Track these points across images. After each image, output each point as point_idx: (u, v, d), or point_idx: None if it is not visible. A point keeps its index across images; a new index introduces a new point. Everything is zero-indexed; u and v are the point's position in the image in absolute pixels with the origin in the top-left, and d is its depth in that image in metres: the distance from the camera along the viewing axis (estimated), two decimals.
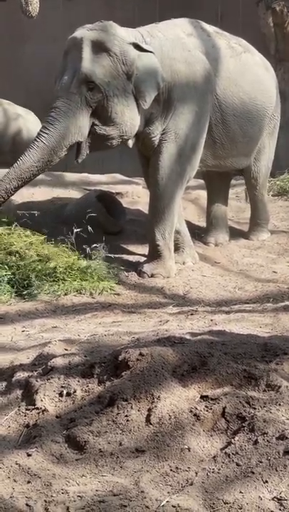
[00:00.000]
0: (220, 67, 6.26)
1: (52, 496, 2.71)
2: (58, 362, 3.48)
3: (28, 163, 5.56)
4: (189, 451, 2.89)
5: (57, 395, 3.29)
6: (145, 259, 6.11)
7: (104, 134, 5.69)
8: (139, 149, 6.25)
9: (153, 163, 6.03)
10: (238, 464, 2.78)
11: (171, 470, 2.82)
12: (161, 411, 3.03)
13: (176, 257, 6.12)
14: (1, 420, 3.28)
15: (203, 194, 7.37)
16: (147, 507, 2.62)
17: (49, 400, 3.27)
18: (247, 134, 6.53)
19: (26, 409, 3.28)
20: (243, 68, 6.46)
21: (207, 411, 3.03)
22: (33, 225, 6.15)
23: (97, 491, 2.73)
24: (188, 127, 6.01)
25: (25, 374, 3.51)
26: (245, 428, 2.91)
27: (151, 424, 3.01)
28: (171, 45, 6.02)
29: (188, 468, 2.82)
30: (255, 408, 3.00)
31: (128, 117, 5.69)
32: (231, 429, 2.96)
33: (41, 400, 3.27)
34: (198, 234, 6.85)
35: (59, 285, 5.43)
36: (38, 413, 3.23)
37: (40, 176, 7.68)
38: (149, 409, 3.05)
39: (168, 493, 2.71)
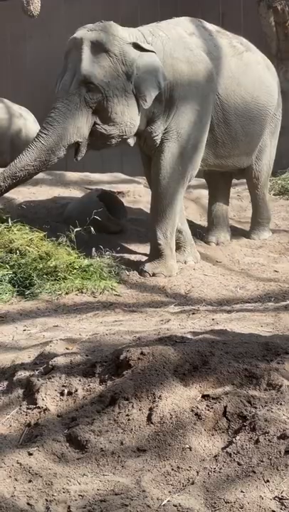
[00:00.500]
0: (222, 67, 6.25)
1: (53, 495, 2.71)
2: (60, 361, 3.48)
3: (24, 162, 5.59)
4: (190, 450, 2.89)
5: (58, 394, 3.30)
6: (146, 258, 6.11)
7: (104, 134, 5.70)
8: (141, 148, 6.25)
9: (155, 162, 6.03)
10: (239, 464, 2.78)
11: (172, 469, 2.82)
12: (163, 410, 3.04)
13: (177, 256, 6.11)
14: (2, 419, 3.28)
15: (204, 193, 7.37)
16: (148, 506, 2.62)
17: (50, 399, 3.28)
18: (249, 133, 6.52)
19: (28, 409, 3.28)
20: (245, 67, 6.45)
21: (208, 410, 3.03)
22: (34, 223, 6.16)
23: (98, 490, 2.73)
24: (190, 126, 6.00)
25: (27, 373, 3.51)
26: (247, 427, 2.91)
27: (152, 423, 3.01)
28: (173, 44, 6.01)
29: (190, 467, 2.82)
30: (256, 407, 3.00)
31: (128, 117, 5.69)
32: (232, 429, 2.96)
33: (42, 399, 3.27)
34: (200, 233, 6.85)
35: (60, 284, 5.43)
36: (40, 412, 3.24)
37: (42, 175, 7.72)
38: (151, 409, 3.05)
39: (169, 492, 2.71)
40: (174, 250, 6.04)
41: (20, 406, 3.32)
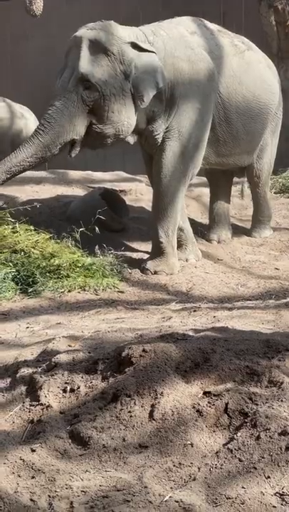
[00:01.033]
0: (223, 65, 6.25)
1: (56, 491, 2.71)
2: (62, 358, 3.49)
3: (19, 157, 5.62)
4: (192, 446, 2.89)
5: (61, 391, 3.30)
6: (148, 256, 6.11)
7: (101, 133, 5.71)
8: (142, 147, 6.25)
9: (156, 160, 6.02)
10: (240, 460, 2.78)
11: (174, 465, 2.82)
12: (164, 407, 3.04)
13: (179, 254, 6.11)
14: (5, 416, 3.28)
15: (206, 191, 7.36)
16: (150, 502, 2.62)
17: (53, 395, 3.28)
18: (250, 131, 6.52)
19: (30, 405, 3.28)
20: (246, 66, 6.45)
21: (210, 407, 3.03)
22: (38, 222, 6.15)
23: (100, 486, 2.73)
24: (191, 125, 6.00)
25: (30, 370, 3.52)
26: (248, 424, 2.91)
27: (154, 419, 3.01)
28: (175, 43, 6.01)
29: (191, 463, 2.82)
30: (257, 404, 3.00)
31: (125, 116, 5.69)
32: (234, 425, 2.96)
33: (45, 396, 3.28)
34: (201, 231, 6.84)
35: (63, 282, 5.43)
36: (42, 409, 3.24)
37: (45, 174, 7.73)
38: (153, 405, 3.05)
39: (171, 488, 2.71)
40: (175, 248, 6.04)
41: (24, 403, 3.32)
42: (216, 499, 2.64)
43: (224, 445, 2.88)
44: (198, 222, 7.11)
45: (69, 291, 5.39)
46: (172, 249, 6.00)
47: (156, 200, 6.07)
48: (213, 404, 3.03)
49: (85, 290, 5.43)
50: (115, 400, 3.12)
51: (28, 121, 9.05)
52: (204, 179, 7.22)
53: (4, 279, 5.38)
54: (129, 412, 3.05)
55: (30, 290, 5.36)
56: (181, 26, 6.20)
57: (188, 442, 2.91)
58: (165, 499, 2.63)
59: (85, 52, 5.63)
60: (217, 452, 2.85)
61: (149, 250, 6.16)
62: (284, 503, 2.60)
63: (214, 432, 2.96)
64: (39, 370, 3.49)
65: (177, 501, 2.61)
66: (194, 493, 2.65)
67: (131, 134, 5.86)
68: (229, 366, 3.21)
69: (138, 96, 5.68)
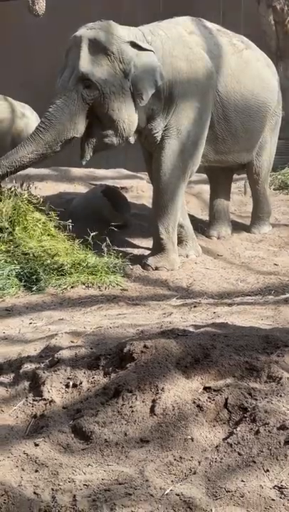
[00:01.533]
0: (222, 64, 6.24)
1: (59, 485, 2.72)
2: (65, 354, 3.49)
3: (20, 153, 5.67)
4: (192, 441, 2.90)
5: (63, 387, 3.30)
6: (149, 252, 6.11)
7: (102, 131, 5.71)
8: (142, 145, 6.25)
9: (156, 158, 6.03)
10: (239, 454, 2.79)
11: (174, 459, 2.83)
12: (165, 402, 3.04)
13: (179, 250, 6.11)
14: (9, 411, 3.29)
15: (205, 188, 7.36)
16: (152, 495, 2.63)
17: (56, 391, 3.28)
18: (248, 129, 6.51)
19: (34, 400, 3.29)
20: (245, 65, 6.44)
21: (210, 402, 3.04)
22: None
23: (102, 479, 2.74)
24: (190, 123, 6.00)
25: (33, 366, 3.52)
26: (247, 418, 2.91)
27: (155, 414, 3.01)
28: (173, 43, 6.01)
29: (192, 457, 2.83)
30: (256, 399, 3.00)
31: (125, 114, 5.70)
32: (233, 420, 2.97)
33: (48, 391, 3.28)
34: (201, 227, 6.84)
35: (66, 279, 5.43)
36: (45, 404, 3.24)
37: (47, 171, 7.73)
38: (154, 401, 3.05)
39: (172, 481, 2.72)
40: (176, 244, 6.04)
41: (27, 398, 3.33)
42: (216, 492, 2.64)
43: (224, 439, 2.88)
44: (199, 218, 7.11)
45: (72, 287, 5.39)
46: (173, 246, 6.00)
47: (157, 198, 6.07)
48: (213, 400, 3.04)
49: (87, 287, 5.44)
50: (117, 395, 3.12)
51: (29, 120, 9.02)
52: (204, 176, 7.22)
53: (8, 275, 5.38)
54: (131, 407, 3.05)
55: (33, 286, 5.35)
56: (180, 26, 6.20)
57: (189, 437, 2.91)
58: (166, 492, 2.63)
59: (84, 52, 5.66)
60: (217, 446, 2.85)
61: (151, 246, 6.16)
62: (282, 496, 2.61)
63: (214, 426, 2.97)
64: (42, 365, 3.49)
65: (178, 494, 2.61)
66: (195, 486, 2.66)
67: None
68: (229, 362, 3.22)
69: (137, 94, 5.70)
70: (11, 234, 5.65)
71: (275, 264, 6.15)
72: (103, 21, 5.80)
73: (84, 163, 5.84)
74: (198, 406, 3.03)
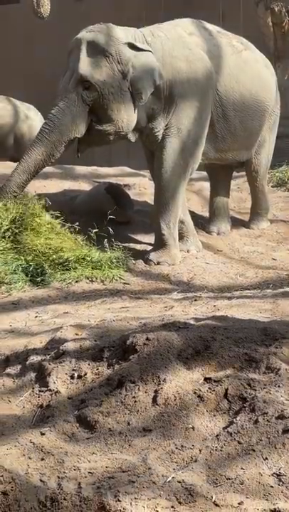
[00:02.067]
0: (221, 64, 6.24)
1: (64, 472, 2.73)
2: (70, 346, 3.50)
3: (33, 156, 5.67)
4: (193, 430, 2.91)
5: (68, 378, 3.31)
6: (152, 247, 6.12)
7: (102, 130, 5.72)
8: (143, 143, 6.25)
9: (157, 157, 6.03)
10: (239, 442, 2.80)
11: (176, 448, 2.83)
12: (167, 392, 3.05)
13: (180, 245, 6.12)
14: (16, 401, 3.30)
15: (206, 185, 7.35)
16: (154, 482, 2.64)
17: (61, 382, 3.29)
18: (247, 128, 6.51)
19: (40, 391, 3.30)
20: (244, 65, 6.43)
21: (210, 392, 3.04)
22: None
23: (106, 467, 2.74)
24: (190, 122, 6.00)
25: (39, 357, 3.53)
26: (246, 408, 2.92)
27: (157, 404, 3.02)
28: (173, 44, 6.01)
29: (193, 446, 2.84)
30: (255, 389, 3.01)
31: (124, 114, 5.71)
32: (233, 410, 2.97)
33: (54, 382, 3.29)
34: (202, 223, 6.84)
35: (70, 273, 5.43)
36: (51, 394, 3.25)
37: (52, 169, 7.71)
38: (156, 391, 3.06)
39: (173, 469, 2.72)
40: (177, 240, 6.05)
41: (33, 389, 3.33)
42: (217, 479, 2.65)
43: (224, 428, 2.89)
44: (199, 215, 7.11)
45: (76, 281, 5.39)
46: (174, 241, 6.00)
47: (158, 195, 6.08)
48: (214, 390, 3.04)
49: (92, 281, 5.44)
50: (120, 386, 3.13)
51: (33, 122, 9.00)
52: (205, 174, 7.21)
53: (15, 270, 5.38)
54: (134, 397, 3.06)
55: (39, 280, 5.35)
56: (180, 27, 6.20)
57: (190, 426, 2.92)
58: (168, 480, 2.64)
59: (84, 54, 5.67)
60: (217, 435, 2.86)
61: (153, 242, 6.16)
62: (281, 483, 2.62)
63: (214, 416, 2.97)
64: (48, 357, 3.50)
65: (179, 482, 2.62)
66: (196, 473, 2.67)
67: (132, 132, 5.87)
68: (229, 353, 3.22)
69: (136, 94, 5.71)
70: (19, 234, 5.64)
71: (274, 259, 6.16)
72: (102, 24, 5.81)
73: (79, 155, 5.82)
74: (199, 396, 3.04)
